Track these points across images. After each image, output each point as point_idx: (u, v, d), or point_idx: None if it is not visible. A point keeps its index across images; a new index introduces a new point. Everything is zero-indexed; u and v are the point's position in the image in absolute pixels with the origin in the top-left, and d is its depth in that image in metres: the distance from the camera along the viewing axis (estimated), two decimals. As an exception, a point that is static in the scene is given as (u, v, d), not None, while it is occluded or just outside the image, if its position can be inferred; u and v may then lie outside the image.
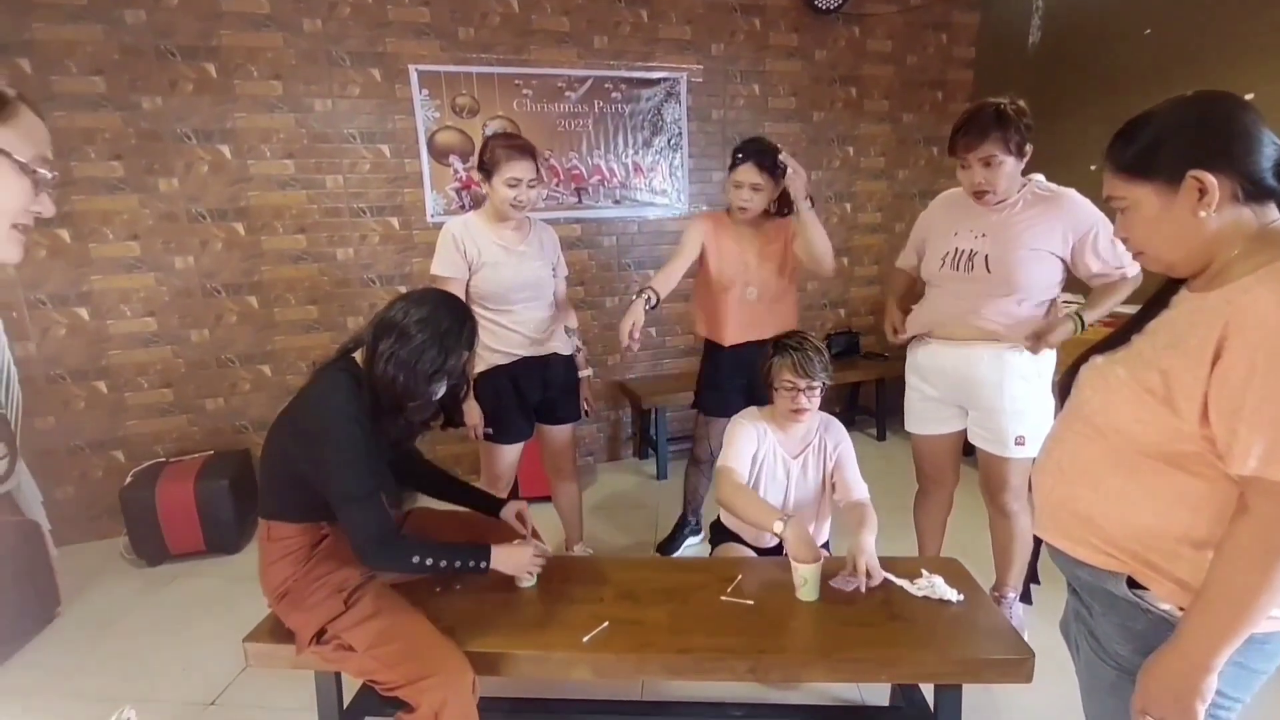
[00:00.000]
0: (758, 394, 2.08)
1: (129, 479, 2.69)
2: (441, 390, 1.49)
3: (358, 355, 1.47)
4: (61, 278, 2.69)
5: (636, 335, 1.97)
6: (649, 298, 2.04)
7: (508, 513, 1.74)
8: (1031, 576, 1.13)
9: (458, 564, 1.47)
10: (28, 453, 2.56)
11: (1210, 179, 0.82)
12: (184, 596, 2.46)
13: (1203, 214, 0.84)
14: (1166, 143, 0.85)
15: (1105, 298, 1.77)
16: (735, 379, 2.29)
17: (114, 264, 2.75)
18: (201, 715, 1.87)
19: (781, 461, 1.88)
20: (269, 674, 1.91)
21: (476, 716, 1.38)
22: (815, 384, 1.79)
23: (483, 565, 1.49)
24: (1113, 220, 1.60)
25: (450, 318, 1.45)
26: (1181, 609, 0.86)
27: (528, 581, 1.63)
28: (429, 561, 1.43)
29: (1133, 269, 1.71)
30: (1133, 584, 0.90)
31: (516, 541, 1.62)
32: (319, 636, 1.41)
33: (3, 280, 2.62)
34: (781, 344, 1.83)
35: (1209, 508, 0.85)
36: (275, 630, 1.50)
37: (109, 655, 2.13)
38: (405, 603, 1.48)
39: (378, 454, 1.44)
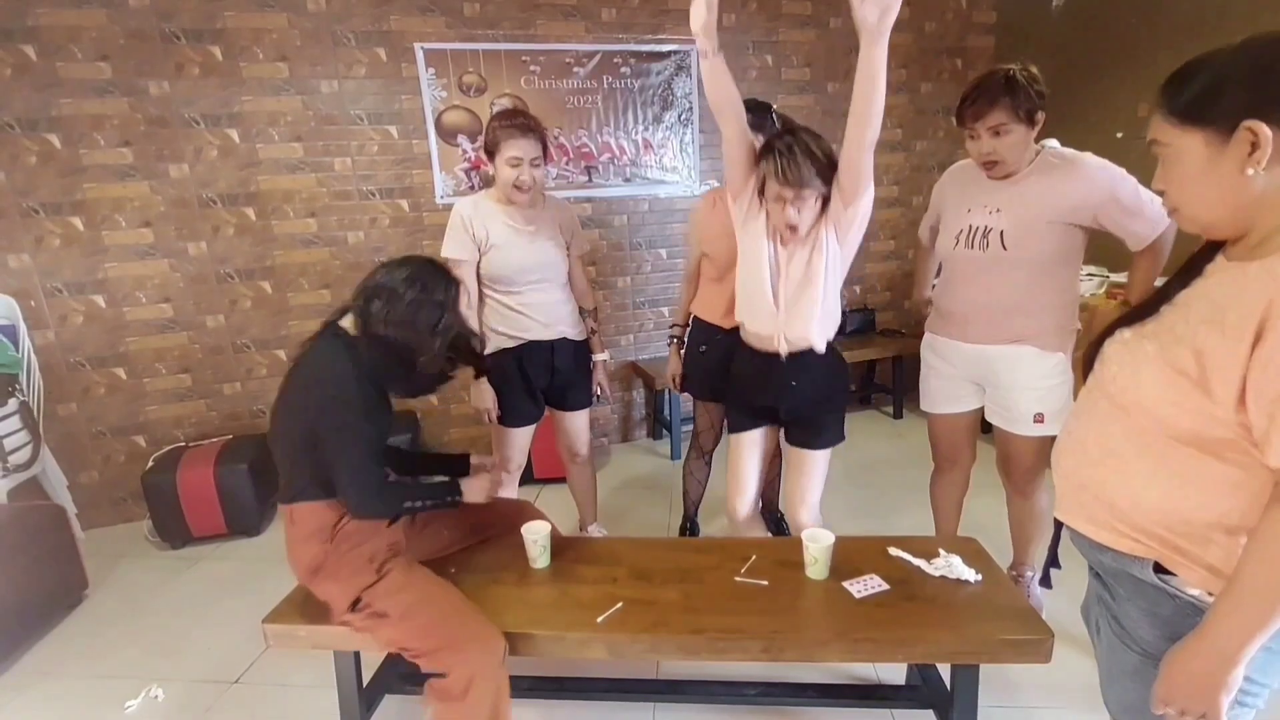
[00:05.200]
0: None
1: (150, 464, 2.73)
2: (447, 340, 1.54)
3: (345, 324, 1.51)
4: (76, 265, 2.71)
5: (678, 383, 2.25)
6: (678, 338, 2.21)
7: (475, 463, 1.84)
8: (1052, 560, 1.09)
9: (441, 500, 1.59)
10: (51, 438, 2.61)
11: (1266, 131, 0.74)
12: (207, 578, 2.51)
13: (1250, 171, 0.76)
14: (1226, 88, 0.77)
15: (1147, 266, 1.68)
16: (723, 362, 2.08)
17: (127, 251, 2.76)
18: (225, 693, 1.91)
19: (766, 246, 1.68)
20: (291, 653, 1.95)
21: (508, 685, 1.39)
22: (807, 193, 1.54)
23: (458, 499, 1.61)
24: (1134, 173, 1.52)
25: (433, 274, 1.51)
26: (1211, 594, 0.82)
27: (541, 561, 1.63)
28: (418, 504, 1.54)
29: (1167, 219, 1.58)
30: (1159, 568, 0.86)
31: (477, 475, 1.69)
32: (353, 605, 1.44)
33: (19, 269, 2.64)
34: (768, 144, 1.58)
35: (1243, 494, 0.79)
36: (294, 611, 1.52)
37: (135, 636, 2.18)
38: (434, 575, 1.51)
39: (379, 414, 1.50)
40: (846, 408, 1.86)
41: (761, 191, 1.63)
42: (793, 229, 1.59)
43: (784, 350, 1.73)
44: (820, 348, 1.72)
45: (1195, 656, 0.80)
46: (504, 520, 1.77)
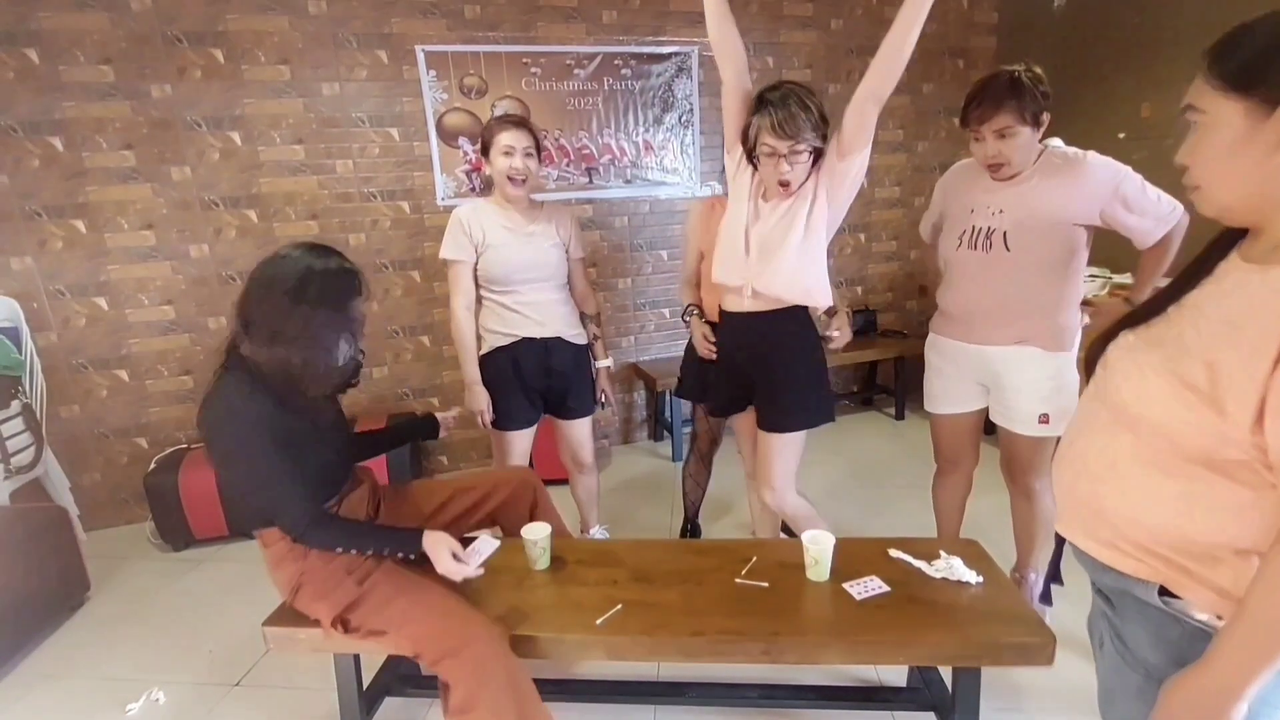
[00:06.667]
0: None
1: (152, 465, 2.74)
2: (348, 351, 1.45)
3: (246, 348, 1.41)
4: (79, 268, 2.72)
5: (711, 342, 2.00)
6: (695, 310, 2.13)
7: (441, 418, 1.85)
8: (1053, 575, 1.04)
9: (385, 552, 1.46)
10: (54, 440, 2.61)
11: None
12: (209, 580, 2.51)
13: None
14: None
15: (1154, 264, 1.68)
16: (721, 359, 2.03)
17: (130, 253, 2.77)
18: (227, 696, 1.91)
19: (748, 200, 1.64)
20: (291, 655, 1.95)
21: (521, 671, 1.37)
22: (801, 147, 1.52)
23: (411, 556, 1.46)
24: (1140, 170, 1.47)
25: (328, 275, 1.36)
26: (1221, 617, 0.77)
27: (541, 563, 1.63)
28: (353, 551, 1.44)
29: (1175, 216, 1.61)
30: (1164, 591, 0.80)
31: (449, 545, 1.47)
32: (344, 624, 1.42)
33: (22, 271, 2.65)
34: (762, 97, 1.56)
35: (1255, 517, 0.73)
36: (294, 614, 1.52)
37: (137, 638, 2.18)
38: (419, 577, 1.48)
39: (298, 438, 1.39)
40: (823, 389, 1.81)
41: (753, 150, 1.61)
42: (784, 185, 1.58)
43: (750, 305, 1.71)
44: (790, 298, 1.68)
45: (1197, 688, 0.75)
46: (510, 495, 1.79)
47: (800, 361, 1.78)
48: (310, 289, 1.34)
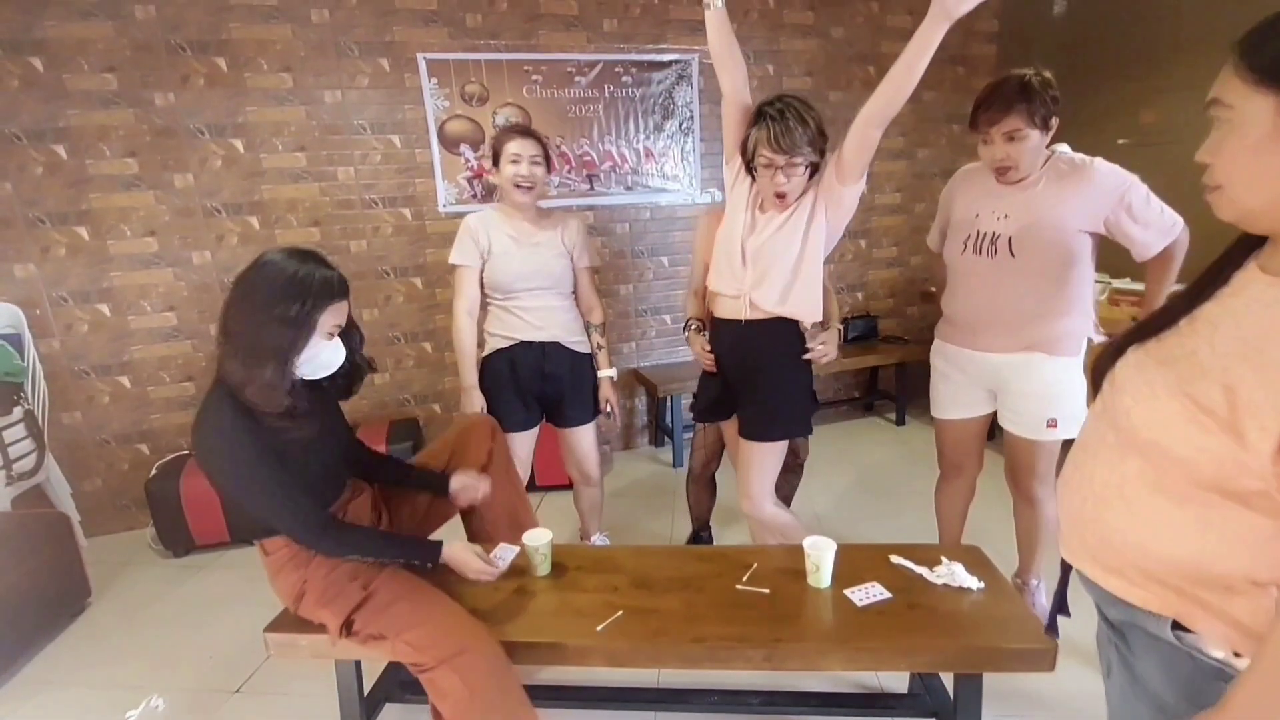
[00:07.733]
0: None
1: (154, 471, 2.73)
2: (295, 363, 1.33)
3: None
4: (82, 275, 2.73)
5: (710, 355, 1.90)
6: (695, 325, 2.01)
7: (454, 486, 1.71)
8: (1059, 607, 0.99)
9: (400, 561, 1.50)
10: (56, 447, 2.62)
11: None
12: (210, 586, 2.51)
13: None
14: None
15: (1160, 276, 1.67)
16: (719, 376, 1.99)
17: (132, 260, 2.78)
18: (227, 703, 1.90)
19: (745, 211, 1.65)
20: (292, 661, 1.94)
21: (515, 683, 1.38)
22: (797, 161, 1.55)
23: (429, 565, 1.51)
24: (1142, 176, 1.45)
25: (266, 285, 1.29)
26: (1238, 654, 0.72)
27: (542, 569, 1.63)
28: (369, 559, 1.47)
29: (1176, 230, 1.61)
30: (1177, 624, 0.75)
31: (474, 550, 1.56)
32: (348, 627, 1.42)
33: (25, 278, 2.66)
34: (760, 109, 1.59)
35: (1276, 547, 0.69)
36: (295, 620, 1.51)
37: (137, 645, 2.18)
38: (422, 582, 1.49)
39: (291, 452, 1.37)
40: (804, 402, 1.82)
41: (751, 161, 1.62)
42: (781, 197, 1.60)
43: (742, 314, 1.72)
44: (779, 312, 1.69)
45: None
46: (467, 437, 1.80)
47: (785, 373, 1.79)
48: (272, 300, 1.29)
